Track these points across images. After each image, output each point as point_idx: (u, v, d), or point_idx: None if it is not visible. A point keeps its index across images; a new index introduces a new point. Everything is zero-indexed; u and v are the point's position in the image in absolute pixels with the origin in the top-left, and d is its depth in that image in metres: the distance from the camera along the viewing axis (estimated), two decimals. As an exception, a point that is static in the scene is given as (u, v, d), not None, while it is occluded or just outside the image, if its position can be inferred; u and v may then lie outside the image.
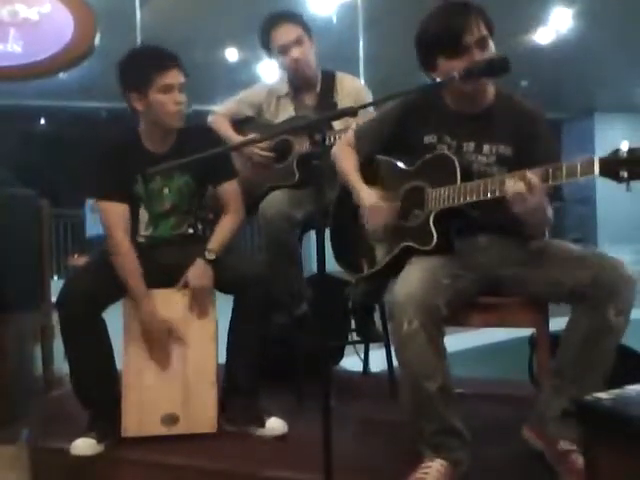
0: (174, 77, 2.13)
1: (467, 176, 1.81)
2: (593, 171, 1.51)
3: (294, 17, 2.64)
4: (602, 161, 1.50)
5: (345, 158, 2.09)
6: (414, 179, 1.92)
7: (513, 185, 1.63)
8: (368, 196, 1.97)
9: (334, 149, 2.14)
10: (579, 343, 1.71)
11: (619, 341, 1.72)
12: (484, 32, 1.76)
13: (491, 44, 1.78)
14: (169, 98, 2.12)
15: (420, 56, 1.86)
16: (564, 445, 1.73)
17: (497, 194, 1.70)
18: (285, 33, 2.59)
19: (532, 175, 1.61)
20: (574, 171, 1.55)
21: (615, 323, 1.67)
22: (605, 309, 1.66)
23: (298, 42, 2.59)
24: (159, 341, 2.15)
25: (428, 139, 1.92)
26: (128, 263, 2.13)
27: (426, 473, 1.68)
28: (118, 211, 2.18)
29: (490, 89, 1.89)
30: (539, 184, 1.60)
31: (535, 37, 8.01)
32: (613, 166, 1.48)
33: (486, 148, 1.88)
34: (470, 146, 1.88)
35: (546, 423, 1.79)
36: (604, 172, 1.49)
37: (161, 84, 2.10)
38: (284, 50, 2.60)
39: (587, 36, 7.83)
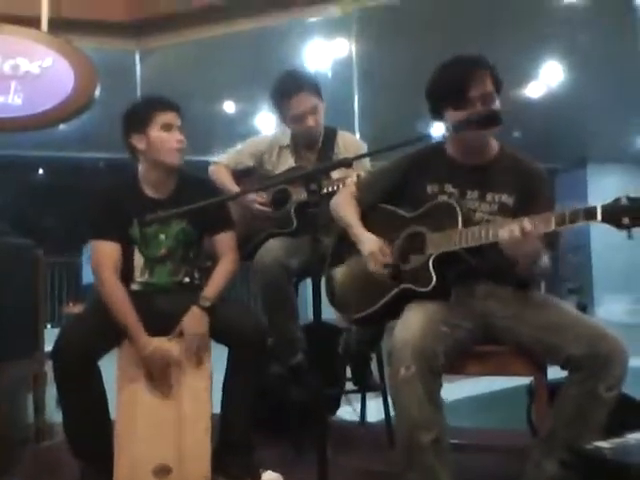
0: (173, 118, 2.20)
1: (469, 223, 1.84)
2: (596, 217, 1.55)
3: (311, 85, 2.66)
4: (604, 208, 1.54)
5: (346, 206, 2.11)
6: (415, 225, 1.95)
7: (508, 230, 1.65)
8: (369, 241, 1.98)
9: (335, 198, 2.17)
10: (569, 411, 1.73)
11: (609, 412, 1.72)
12: (489, 88, 1.82)
13: (496, 100, 1.83)
14: (170, 136, 2.18)
15: (430, 105, 1.91)
16: None
17: (495, 238, 1.72)
18: (303, 103, 2.60)
19: (527, 222, 1.64)
20: (577, 217, 1.59)
21: (605, 397, 1.70)
22: (597, 383, 1.69)
23: (314, 111, 2.63)
24: (156, 381, 2.12)
25: (431, 189, 1.96)
26: (119, 300, 2.12)
27: None
28: (108, 249, 2.18)
29: (493, 143, 1.95)
30: (533, 230, 1.62)
31: (526, 91, 8.19)
32: (615, 213, 1.53)
33: (489, 197, 1.92)
34: (474, 194, 1.93)
35: None
36: (606, 219, 1.54)
37: (161, 122, 2.17)
38: (300, 118, 2.63)
39: (578, 88, 8.01)
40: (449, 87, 1.83)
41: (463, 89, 1.80)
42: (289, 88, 2.63)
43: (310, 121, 2.62)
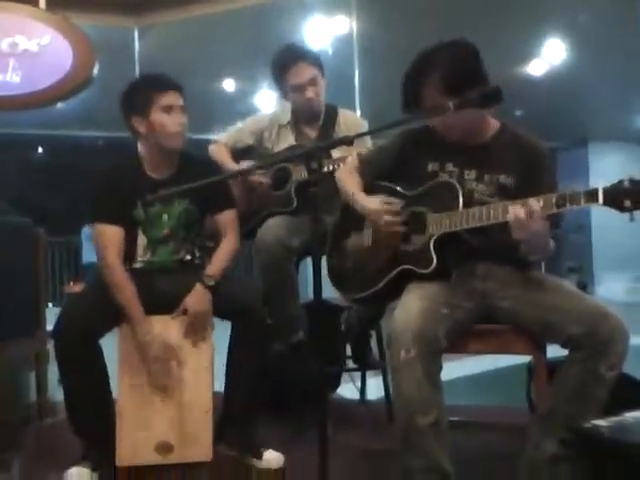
0: (174, 98, 2.17)
1: (468, 203, 1.83)
2: (597, 200, 1.54)
3: (311, 56, 2.64)
4: (606, 191, 1.53)
5: (348, 178, 2.10)
6: (415, 205, 1.94)
7: (515, 211, 1.65)
8: (372, 201, 1.97)
9: (338, 172, 2.16)
10: (570, 390, 1.73)
11: (609, 390, 1.72)
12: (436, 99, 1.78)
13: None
14: (170, 119, 2.16)
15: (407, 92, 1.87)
16: None
17: (499, 219, 1.72)
18: (302, 73, 2.59)
19: (534, 202, 1.63)
20: (578, 199, 1.58)
21: (606, 376, 1.70)
22: (598, 363, 1.69)
23: (313, 82, 2.60)
24: (156, 366, 2.13)
25: (431, 166, 1.94)
26: (122, 285, 2.12)
27: None
28: (112, 233, 2.18)
29: (492, 122, 1.93)
30: (540, 210, 1.62)
31: (529, 69, 8.14)
32: (617, 196, 1.52)
33: (487, 177, 1.90)
34: (471, 174, 1.90)
35: (535, 469, 1.77)
36: (607, 202, 1.53)
37: (162, 104, 2.15)
38: (299, 89, 2.61)
39: (580, 67, 7.96)
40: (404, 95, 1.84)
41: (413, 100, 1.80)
42: (288, 59, 2.62)
43: (309, 92, 2.60)
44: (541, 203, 1.63)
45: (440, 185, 1.90)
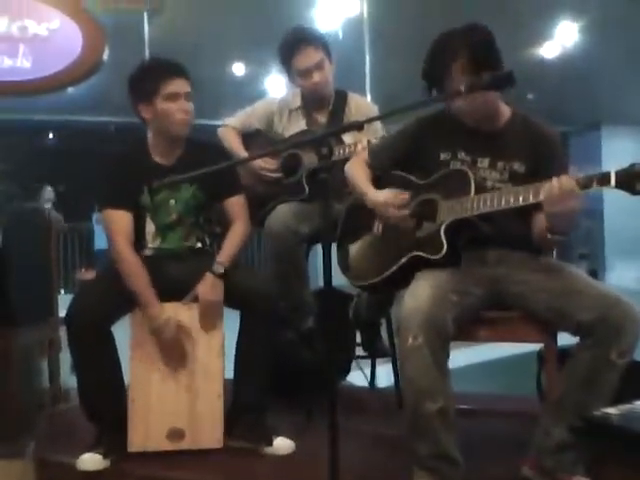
0: (180, 85, 2.16)
1: (481, 190, 1.82)
2: (609, 183, 1.54)
3: (317, 40, 2.63)
4: (618, 173, 1.53)
5: (358, 171, 2.09)
6: (427, 192, 1.93)
7: (546, 189, 1.64)
8: (381, 194, 1.97)
9: (347, 165, 2.15)
10: (580, 376, 1.73)
11: (620, 376, 1.72)
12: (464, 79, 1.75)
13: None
14: (176, 106, 2.15)
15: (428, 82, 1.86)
16: (563, 478, 1.73)
17: (511, 204, 1.71)
18: (308, 57, 2.58)
19: (566, 178, 1.62)
20: (590, 183, 1.58)
21: (618, 363, 1.69)
22: (609, 349, 1.68)
23: (319, 66, 2.59)
24: (168, 351, 2.14)
25: (443, 156, 1.93)
26: (134, 270, 2.12)
27: None
28: (121, 219, 2.18)
29: (504, 108, 1.92)
30: (576, 187, 1.60)
31: (541, 51, 8.05)
32: (630, 179, 1.52)
33: (500, 165, 1.89)
34: (484, 162, 1.90)
35: (544, 456, 1.78)
36: (620, 184, 1.53)
37: (167, 92, 2.14)
38: (305, 74, 2.60)
39: (593, 49, 7.86)
40: (429, 78, 1.80)
41: (442, 81, 1.76)
42: (294, 43, 2.61)
43: (316, 77, 2.59)
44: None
45: (452, 173, 1.89)
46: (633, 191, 1.52)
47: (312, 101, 2.70)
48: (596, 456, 1.54)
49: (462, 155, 1.91)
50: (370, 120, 2.34)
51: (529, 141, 1.89)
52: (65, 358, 2.24)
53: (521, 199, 1.71)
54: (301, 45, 2.58)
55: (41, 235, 2.89)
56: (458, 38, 1.80)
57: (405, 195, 1.94)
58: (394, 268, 1.93)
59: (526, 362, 2.44)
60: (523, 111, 1.95)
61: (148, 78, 2.17)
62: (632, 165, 1.53)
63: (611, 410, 1.53)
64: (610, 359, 1.68)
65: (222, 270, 2.16)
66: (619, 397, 1.67)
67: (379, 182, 2.06)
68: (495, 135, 1.90)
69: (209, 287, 2.15)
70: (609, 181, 1.54)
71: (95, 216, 8.81)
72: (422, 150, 1.97)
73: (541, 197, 1.66)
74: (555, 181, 1.63)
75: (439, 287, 1.76)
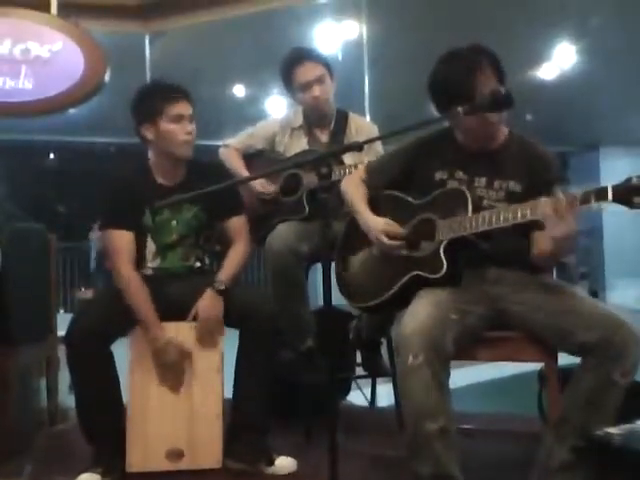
0: (183, 108, 2.19)
1: (477, 209, 1.82)
2: (607, 197, 1.54)
3: (317, 56, 2.68)
4: (615, 188, 1.54)
5: (354, 190, 2.10)
6: (424, 212, 1.93)
7: (544, 206, 1.64)
8: (375, 222, 1.97)
9: (343, 182, 2.16)
10: (583, 397, 1.72)
11: (622, 397, 1.71)
12: (492, 85, 1.77)
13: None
14: (179, 128, 2.18)
15: (435, 101, 1.87)
16: None
17: (509, 222, 1.71)
18: (308, 71, 2.62)
19: (562, 195, 1.63)
20: (588, 198, 1.58)
21: (620, 383, 1.68)
22: (611, 369, 1.68)
23: (320, 80, 2.62)
24: (169, 371, 2.13)
25: (439, 175, 1.94)
26: (135, 289, 2.13)
27: None
28: (123, 238, 2.19)
29: (502, 129, 1.92)
30: (578, 201, 1.60)
31: (539, 73, 8.11)
32: (626, 193, 1.52)
33: (496, 184, 1.90)
34: (482, 181, 1.91)
35: (546, 476, 1.75)
36: (617, 199, 1.53)
37: (171, 114, 2.17)
38: (305, 87, 2.63)
39: (591, 71, 7.92)
40: (456, 87, 1.78)
41: (471, 88, 1.76)
42: (296, 58, 2.65)
43: (316, 91, 2.62)
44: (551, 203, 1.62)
45: (449, 192, 1.90)
46: (631, 205, 1.52)
47: (314, 118, 2.72)
48: (599, 476, 1.53)
49: (459, 174, 1.92)
50: (370, 140, 2.36)
51: (525, 161, 1.90)
52: (63, 377, 2.22)
53: (519, 215, 1.71)
54: (302, 59, 2.64)
55: (40, 254, 2.89)
56: (474, 53, 1.82)
57: (399, 230, 1.93)
58: (394, 289, 1.92)
59: (527, 382, 2.43)
60: (519, 131, 1.97)
61: (153, 99, 2.20)
62: (628, 179, 1.53)
63: (613, 430, 1.52)
64: (613, 379, 1.68)
65: (223, 287, 2.16)
66: (621, 417, 1.66)
67: (375, 202, 2.06)
68: (492, 155, 1.91)
69: (209, 303, 2.15)
70: (606, 196, 1.54)
71: (91, 235, 8.83)
72: (418, 170, 1.98)
73: (539, 213, 1.66)
74: (557, 195, 1.63)
75: (439, 306, 1.75)
